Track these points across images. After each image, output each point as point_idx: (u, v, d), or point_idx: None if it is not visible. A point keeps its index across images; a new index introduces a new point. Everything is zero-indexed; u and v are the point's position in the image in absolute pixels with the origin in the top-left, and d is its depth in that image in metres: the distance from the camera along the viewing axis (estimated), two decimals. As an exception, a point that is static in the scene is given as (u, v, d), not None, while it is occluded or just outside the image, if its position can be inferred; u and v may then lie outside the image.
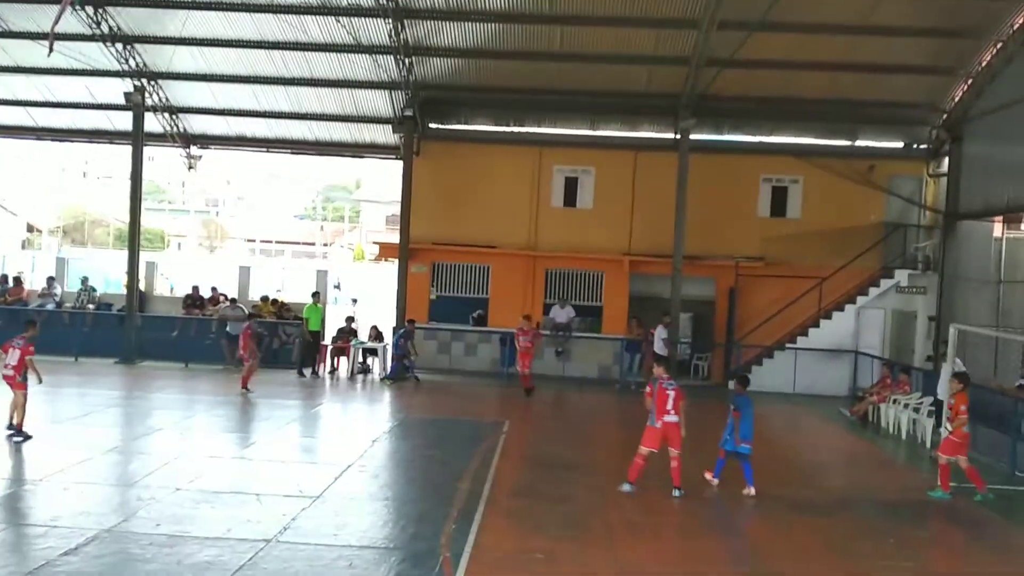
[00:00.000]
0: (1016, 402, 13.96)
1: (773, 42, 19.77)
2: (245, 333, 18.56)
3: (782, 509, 10.68)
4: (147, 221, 43.51)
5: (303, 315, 21.85)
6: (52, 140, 29.41)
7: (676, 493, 10.83)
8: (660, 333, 21.00)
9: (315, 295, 22.63)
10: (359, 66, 22.00)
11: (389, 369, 21.23)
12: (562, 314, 22.51)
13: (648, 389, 11.27)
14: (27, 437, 12.49)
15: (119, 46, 21.84)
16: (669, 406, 10.86)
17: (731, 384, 21.54)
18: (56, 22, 17.75)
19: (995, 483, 12.78)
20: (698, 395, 19.90)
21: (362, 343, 22.28)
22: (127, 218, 24.43)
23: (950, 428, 11.76)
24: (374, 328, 22.63)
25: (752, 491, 10.99)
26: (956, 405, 11.69)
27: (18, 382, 12.75)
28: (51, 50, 17.99)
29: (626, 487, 10.89)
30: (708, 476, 11.46)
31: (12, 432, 12.54)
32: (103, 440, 12.90)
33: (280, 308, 23.67)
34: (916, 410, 16.11)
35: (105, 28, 21.18)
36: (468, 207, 23.37)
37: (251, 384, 17.89)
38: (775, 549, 9.35)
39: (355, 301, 33.90)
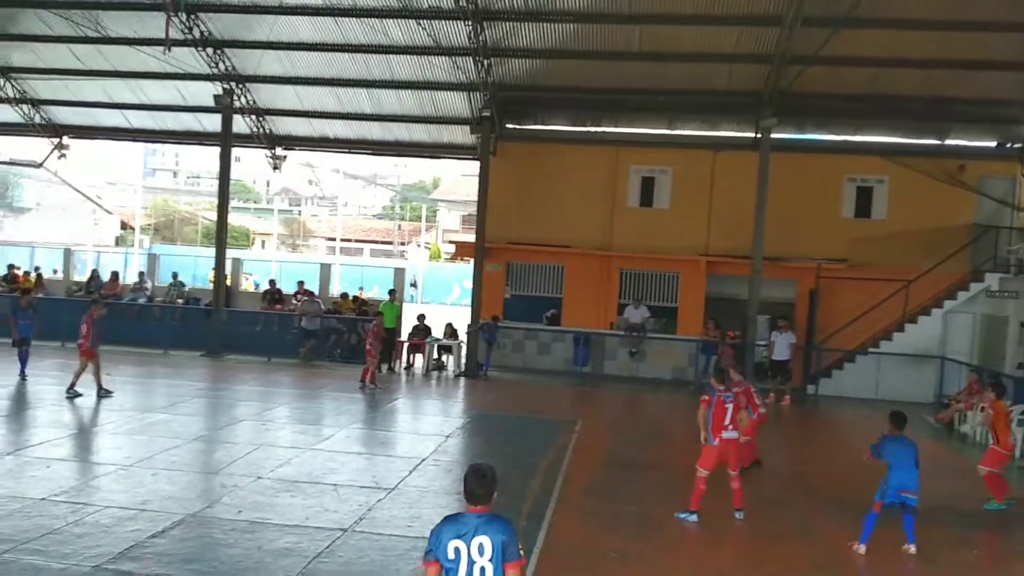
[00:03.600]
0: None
1: (859, 38, 19.26)
2: (372, 331, 19.26)
3: (862, 516, 10.41)
4: (233, 219, 44.87)
5: (378, 311, 22.24)
6: (146, 141, 30.88)
7: (739, 515, 9.93)
8: (786, 339, 20.14)
9: (391, 293, 23.03)
10: (438, 68, 22.29)
11: (485, 362, 21.63)
12: (636, 314, 22.36)
13: (705, 399, 10.01)
14: (109, 393, 15.50)
15: (210, 51, 22.62)
16: (727, 421, 9.89)
17: (804, 386, 21.33)
18: (168, 35, 19.58)
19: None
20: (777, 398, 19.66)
21: (437, 340, 22.57)
22: (215, 216, 25.27)
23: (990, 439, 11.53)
24: (449, 325, 22.91)
25: (912, 548, 9.14)
26: (992, 415, 11.50)
27: (87, 348, 15.47)
28: (167, 50, 19.94)
29: (690, 517, 9.82)
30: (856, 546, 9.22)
31: (103, 391, 15.51)
32: (189, 429, 13.39)
33: (359, 305, 24.16)
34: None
35: (196, 34, 21.94)
36: (543, 207, 23.44)
37: (368, 379, 18.69)
38: (854, 556, 9.14)
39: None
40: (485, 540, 4.57)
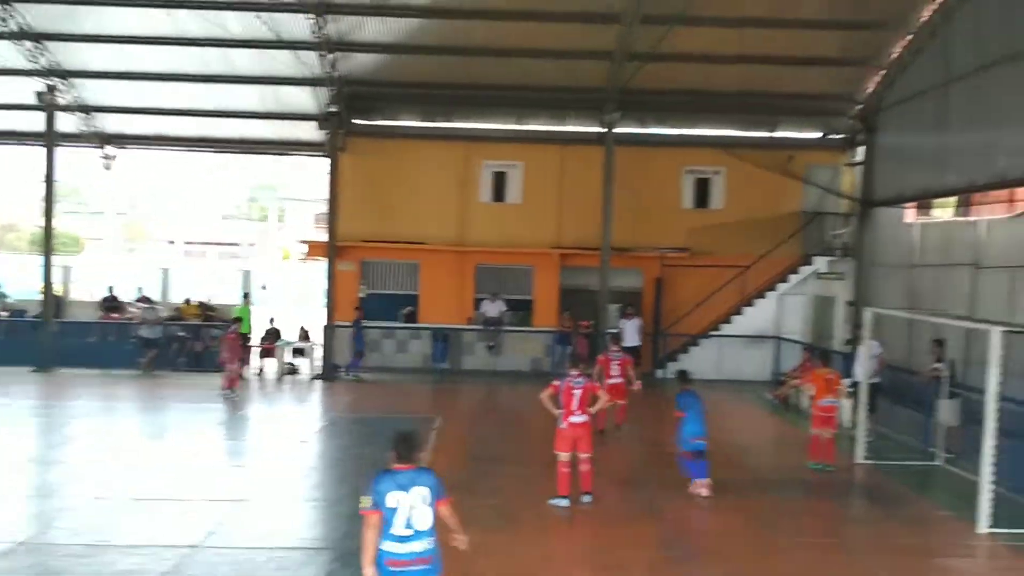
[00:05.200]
0: (929, 385, 14.38)
1: (694, 36, 20.04)
2: (227, 338, 18.28)
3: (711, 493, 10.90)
4: (63, 224, 41.95)
5: (236, 316, 21.35)
6: (-42, 142, 28.21)
7: (585, 499, 10.16)
8: (634, 324, 21.01)
9: (246, 296, 22.23)
10: (281, 62, 21.52)
11: (351, 363, 21.17)
12: (493, 308, 22.53)
13: (555, 384, 10.40)
14: None
15: (29, 44, 21.03)
16: (575, 406, 10.19)
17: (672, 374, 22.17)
18: None
19: (911, 459, 13.33)
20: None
21: (289, 343, 21.96)
22: (41, 222, 23.52)
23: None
24: (302, 328, 22.34)
25: (703, 483, 10.46)
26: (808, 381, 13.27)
27: None
28: None
29: (561, 502, 10.06)
30: (697, 489, 10.61)
31: None
32: (18, 451, 12.45)
33: (205, 311, 23.16)
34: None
35: (14, 25, 20.32)
36: (396, 203, 23.19)
37: (231, 384, 17.90)
38: (702, 530, 9.58)
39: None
40: (424, 489, 5.60)
